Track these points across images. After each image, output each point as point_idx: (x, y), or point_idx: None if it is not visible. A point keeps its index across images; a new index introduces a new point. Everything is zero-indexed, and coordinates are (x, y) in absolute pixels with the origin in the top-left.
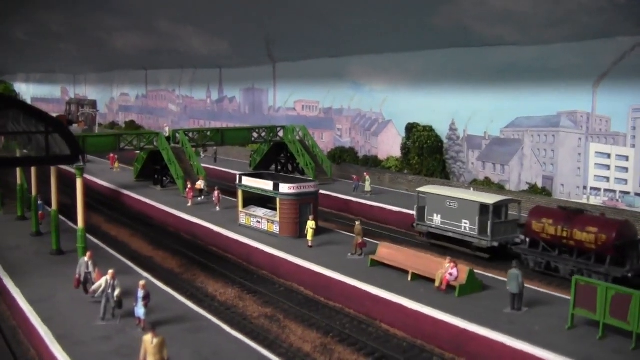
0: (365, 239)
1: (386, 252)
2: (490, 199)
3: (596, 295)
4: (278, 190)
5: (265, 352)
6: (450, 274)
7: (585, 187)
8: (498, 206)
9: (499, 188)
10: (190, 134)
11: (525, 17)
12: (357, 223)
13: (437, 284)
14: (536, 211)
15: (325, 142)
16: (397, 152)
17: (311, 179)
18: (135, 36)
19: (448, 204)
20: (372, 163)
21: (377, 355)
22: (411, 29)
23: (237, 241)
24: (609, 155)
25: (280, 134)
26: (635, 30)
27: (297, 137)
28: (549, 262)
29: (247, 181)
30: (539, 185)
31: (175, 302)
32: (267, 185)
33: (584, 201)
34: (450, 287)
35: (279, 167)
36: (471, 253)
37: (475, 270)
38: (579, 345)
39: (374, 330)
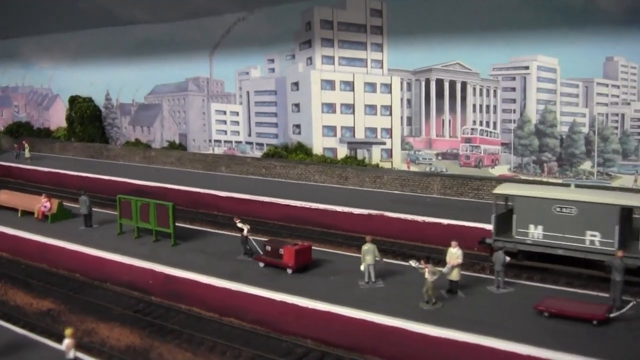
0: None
1: (4, 197)
2: (633, 198)
3: (131, 207)
4: None
5: None
6: (45, 206)
7: (210, 140)
8: None
9: (147, 147)
10: None
11: None
12: None
13: (35, 215)
14: None
15: (5, 118)
16: (64, 123)
17: None
18: None
19: (558, 209)
20: (45, 134)
21: None
22: (65, 11)
23: None
24: (225, 112)
25: None
26: (237, 8)
27: None
28: None
29: None
30: (177, 141)
31: None
32: None
33: (210, 151)
34: (47, 217)
35: None
36: (603, 276)
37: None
38: (122, 243)
39: None
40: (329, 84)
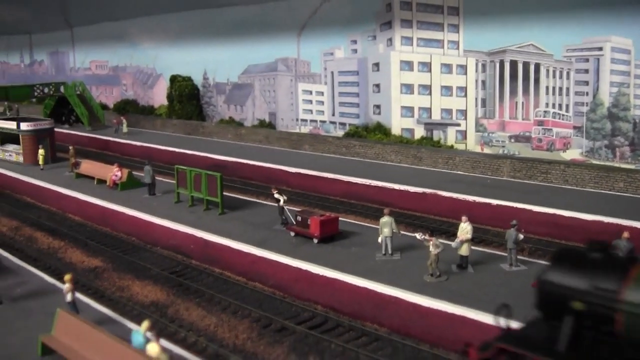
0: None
1: (85, 166)
2: None
3: (186, 177)
4: (19, 128)
5: None
6: (116, 175)
7: (297, 119)
8: None
9: (238, 125)
10: None
11: None
12: (71, 148)
13: (107, 183)
14: None
15: (114, 96)
16: (166, 101)
17: (47, 119)
18: None
19: None
20: (149, 111)
21: (53, 228)
22: None
23: None
24: (311, 92)
25: (62, 89)
26: None
27: (77, 92)
28: None
29: (0, 123)
30: (267, 120)
31: None
32: (12, 125)
33: (297, 130)
34: (117, 185)
35: (64, 118)
36: None
37: None
38: (175, 211)
39: (60, 218)
40: (407, 65)
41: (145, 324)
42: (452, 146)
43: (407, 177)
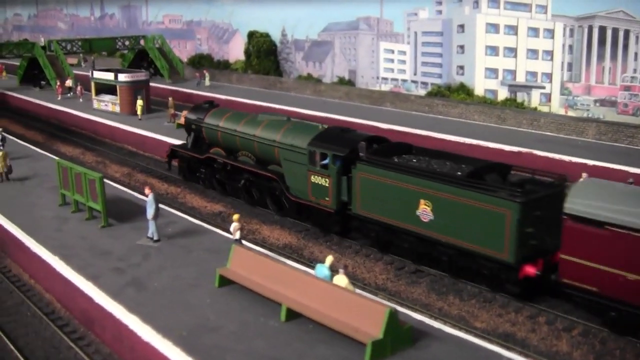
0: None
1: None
2: None
3: None
4: (117, 79)
5: None
6: None
7: (378, 77)
8: None
9: (317, 81)
10: (63, 44)
11: None
12: (170, 99)
13: None
14: None
15: (188, 50)
16: (242, 56)
17: (142, 70)
18: None
19: None
20: (224, 66)
21: (165, 175)
22: None
23: (87, 119)
24: (393, 51)
25: (142, 42)
26: None
27: (157, 45)
28: None
29: (97, 74)
30: (346, 77)
31: (29, 149)
32: (110, 75)
33: (377, 88)
34: None
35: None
36: None
37: None
38: None
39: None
40: (493, 28)
41: (330, 257)
42: (535, 108)
43: (494, 136)
